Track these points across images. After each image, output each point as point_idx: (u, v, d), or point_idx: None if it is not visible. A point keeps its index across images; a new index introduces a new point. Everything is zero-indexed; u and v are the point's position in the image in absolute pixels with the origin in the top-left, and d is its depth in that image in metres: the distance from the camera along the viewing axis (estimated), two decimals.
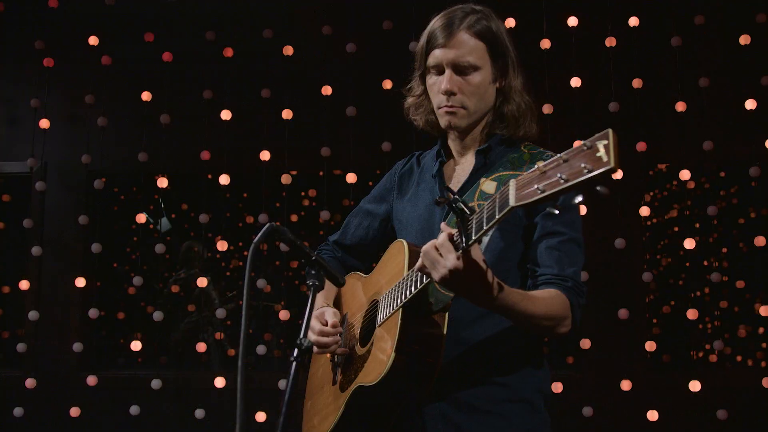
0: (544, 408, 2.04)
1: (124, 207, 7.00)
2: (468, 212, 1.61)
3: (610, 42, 4.96)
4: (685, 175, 4.91)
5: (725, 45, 5.06)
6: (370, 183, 6.20)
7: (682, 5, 5.08)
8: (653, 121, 5.07)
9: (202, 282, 5.21)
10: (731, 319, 6.89)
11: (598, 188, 1.32)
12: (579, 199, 1.37)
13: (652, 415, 4.69)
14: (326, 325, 2.16)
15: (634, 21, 4.99)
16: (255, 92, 5.12)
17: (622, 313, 4.71)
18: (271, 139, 5.12)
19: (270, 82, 5.14)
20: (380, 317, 2.02)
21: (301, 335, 1.66)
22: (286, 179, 5.01)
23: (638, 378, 4.80)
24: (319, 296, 2.31)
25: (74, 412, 4.99)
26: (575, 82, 4.93)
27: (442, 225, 1.73)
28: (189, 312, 6.64)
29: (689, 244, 4.80)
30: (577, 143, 1.39)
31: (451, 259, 1.64)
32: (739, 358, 6.87)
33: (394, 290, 1.95)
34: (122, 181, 6.76)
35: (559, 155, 1.39)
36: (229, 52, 5.14)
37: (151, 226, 7.23)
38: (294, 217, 6.55)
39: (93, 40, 5.21)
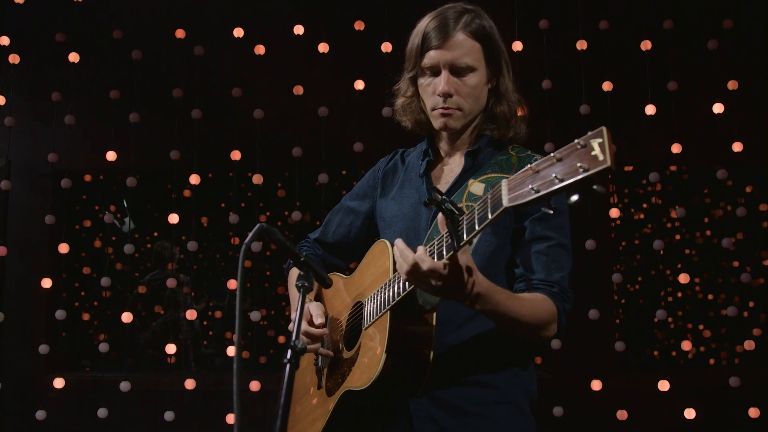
0: (530, 411, 2.04)
1: (90, 206, 6.90)
2: (458, 213, 1.59)
3: (581, 45, 5.00)
4: (653, 177, 4.96)
5: (693, 49, 5.13)
6: (336, 184, 6.20)
7: (652, 10, 5.14)
8: (623, 124, 5.12)
9: (171, 283, 5.15)
10: (696, 320, 7.00)
11: (595, 187, 1.30)
12: (575, 198, 1.35)
13: (622, 415, 4.74)
14: (311, 323, 2.13)
15: (604, 24, 5.04)
16: (226, 91, 5.07)
17: (593, 313, 4.75)
18: (242, 138, 5.08)
19: (241, 82, 5.10)
20: (367, 320, 1.99)
21: (294, 337, 1.64)
22: (257, 179, 4.98)
23: (608, 378, 4.84)
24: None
25: (40, 415, 4.89)
26: (546, 84, 4.96)
27: (439, 218, 1.69)
28: (158, 313, 6.57)
29: (657, 245, 4.86)
30: (562, 145, 1.37)
31: (435, 275, 1.65)
32: (701, 358, 6.99)
33: (380, 292, 1.93)
34: (89, 180, 6.66)
35: (551, 154, 1.37)
36: (199, 51, 5.09)
37: (118, 223, 7.14)
38: (262, 218, 6.51)
39: (60, 37, 5.12)
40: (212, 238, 7.71)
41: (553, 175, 1.34)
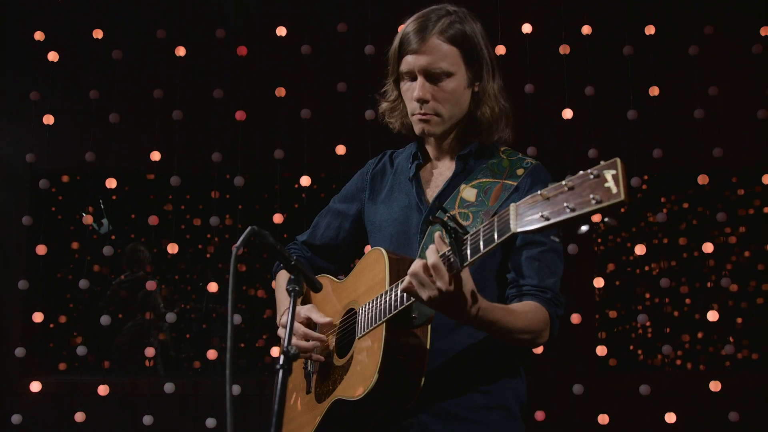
0: (520, 416, 2.03)
1: (67, 207, 6.81)
2: (462, 232, 1.58)
3: (564, 50, 5.01)
4: (635, 182, 4.98)
5: (675, 55, 5.15)
6: (315, 186, 6.15)
7: (634, 15, 5.15)
8: (605, 129, 5.13)
9: (151, 285, 5.10)
10: (677, 324, 7.03)
11: (606, 219, 1.32)
12: (585, 228, 1.35)
13: (603, 419, 4.75)
14: (309, 325, 2.10)
15: (587, 29, 5.05)
16: (207, 93, 5.03)
17: (574, 317, 4.75)
18: (224, 140, 5.04)
19: (223, 83, 5.06)
20: (360, 329, 1.96)
21: (286, 343, 1.61)
22: (239, 181, 4.94)
23: (589, 382, 4.85)
24: (287, 298, 2.26)
25: (16, 419, 4.81)
26: (529, 88, 4.96)
27: (436, 236, 1.68)
28: (133, 315, 6.48)
29: (639, 250, 4.88)
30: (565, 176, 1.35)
31: (442, 283, 1.62)
32: (679, 362, 7.02)
33: (376, 303, 1.90)
34: (67, 181, 6.58)
35: (563, 182, 1.35)
36: (181, 51, 5.04)
37: (91, 228, 7.05)
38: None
39: (39, 35, 5.06)
40: (190, 240, 7.63)
41: (564, 204, 1.33)
